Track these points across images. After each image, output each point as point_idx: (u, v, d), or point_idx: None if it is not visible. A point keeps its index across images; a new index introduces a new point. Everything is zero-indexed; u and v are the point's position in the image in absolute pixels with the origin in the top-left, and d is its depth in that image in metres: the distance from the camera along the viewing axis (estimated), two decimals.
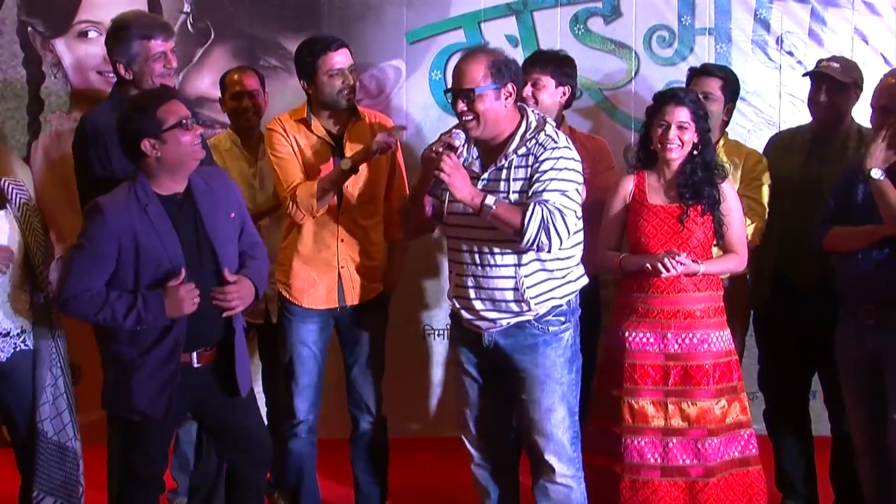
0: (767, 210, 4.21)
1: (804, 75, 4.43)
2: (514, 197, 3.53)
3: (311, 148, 4.09)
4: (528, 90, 4.21)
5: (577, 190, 3.55)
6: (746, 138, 4.91)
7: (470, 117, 3.55)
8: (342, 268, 4.11)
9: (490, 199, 3.48)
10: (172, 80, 3.93)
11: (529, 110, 3.65)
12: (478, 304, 3.63)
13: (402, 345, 4.92)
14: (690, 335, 3.91)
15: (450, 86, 3.64)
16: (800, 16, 5.16)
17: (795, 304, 4.24)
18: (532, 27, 5.15)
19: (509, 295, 3.58)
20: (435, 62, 5.18)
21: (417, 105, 5.20)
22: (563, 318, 3.65)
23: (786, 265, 4.25)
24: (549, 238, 3.46)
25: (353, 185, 4.09)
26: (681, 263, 3.80)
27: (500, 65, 3.55)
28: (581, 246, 3.70)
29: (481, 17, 5.16)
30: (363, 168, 4.08)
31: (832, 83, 4.22)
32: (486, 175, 3.60)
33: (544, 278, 3.60)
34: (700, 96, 4.08)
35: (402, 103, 5.19)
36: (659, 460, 3.89)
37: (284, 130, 4.08)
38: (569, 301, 3.67)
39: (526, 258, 3.56)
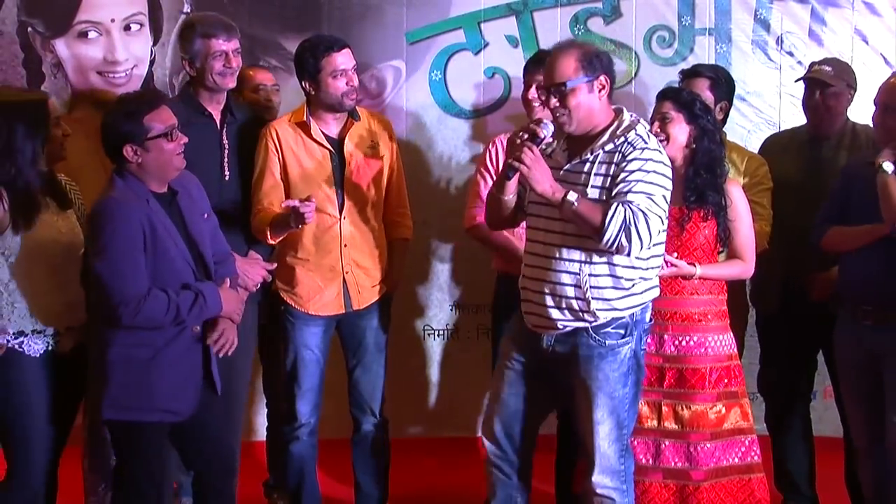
0: (772, 213, 4.21)
1: (797, 80, 4.44)
2: (591, 192, 3.43)
3: (308, 154, 4.06)
4: (532, 93, 4.20)
5: (663, 196, 3.42)
6: (746, 138, 4.91)
7: (563, 113, 3.47)
8: (347, 273, 4.10)
9: (572, 195, 3.37)
10: (233, 80, 4.04)
11: (626, 110, 3.55)
12: (540, 299, 3.53)
13: (402, 345, 4.93)
14: (687, 338, 3.88)
15: (542, 83, 3.58)
16: (800, 16, 5.16)
17: (797, 305, 4.25)
18: (532, 27, 5.15)
19: (570, 291, 3.48)
20: (435, 62, 5.18)
21: (417, 105, 5.19)
22: (622, 332, 3.53)
23: (788, 266, 4.25)
24: (629, 240, 3.33)
25: (353, 190, 4.08)
26: (670, 264, 3.78)
27: (592, 56, 3.47)
28: (660, 259, 3.59)
29: (481, 17, 5.15)
30: (362, 171, 4.09)
31: (825, 87, 4.24)
32: (567, 166, 3.52)
33: (609, 284, 3.47)
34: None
35: (401, 103, 5.19)
36: (651, 461, 3.87)
37: (278, 139, 4.04)
38: (633, 314, 3.53)
39: (596, 258, 3.46)
